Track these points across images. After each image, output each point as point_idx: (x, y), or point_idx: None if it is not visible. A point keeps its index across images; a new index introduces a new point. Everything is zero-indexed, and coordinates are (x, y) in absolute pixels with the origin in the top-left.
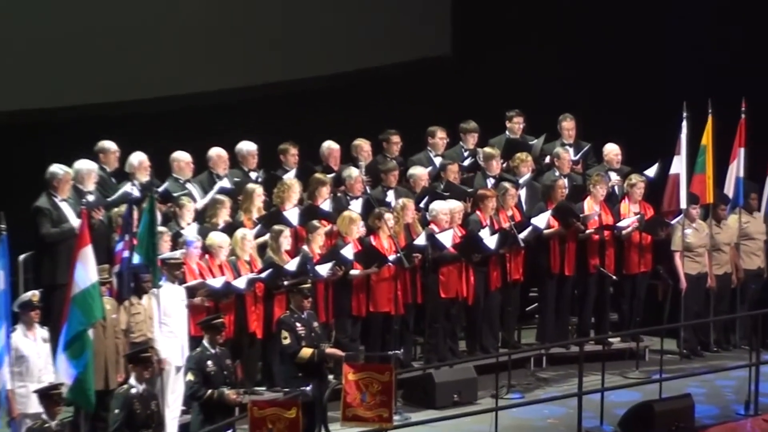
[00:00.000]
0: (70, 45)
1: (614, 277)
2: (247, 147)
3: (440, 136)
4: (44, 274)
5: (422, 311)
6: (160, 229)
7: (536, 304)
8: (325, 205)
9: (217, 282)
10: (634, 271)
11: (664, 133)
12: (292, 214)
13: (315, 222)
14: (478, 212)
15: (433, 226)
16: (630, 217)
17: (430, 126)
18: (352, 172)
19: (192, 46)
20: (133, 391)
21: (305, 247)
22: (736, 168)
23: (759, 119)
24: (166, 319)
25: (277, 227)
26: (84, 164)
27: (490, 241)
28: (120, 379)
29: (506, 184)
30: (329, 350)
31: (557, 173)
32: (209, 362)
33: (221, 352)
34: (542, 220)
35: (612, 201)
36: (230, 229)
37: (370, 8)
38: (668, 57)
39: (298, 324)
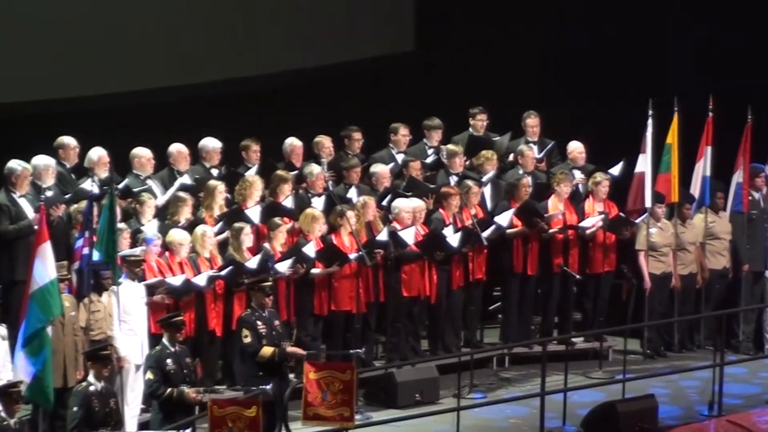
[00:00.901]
0: (27, 39)
1: (578, 277)
2: (211, 144)
3: (403, 133)
4: (2, 271)
5: (384, 310)
6: (120, 225)
7: (499, 304)
8: (287, 202)
9: (177, 280)
10: (598, 270)
11: (630, 131)
12: (253, 211)
13: (277, 219)
14: (441, 210)
15: (395, 224)
16: (594, 216)
17: (392, 123)
18: (314, 169)
19: (154, 41)
20: (92, 388)
21: (267, 245)
22: (703, 167)
23: (726, 117)
24: (126, 317)
25: (238, 224)
26: (41, 160)
27: (453, 239)
28: (79, 377)
29: (469, 182)
30: (290, 349)
31: (521, 171)
32: (169, 360)
33: (181, 351)
34: (505, 218)
35: (576, 199)
36: (191, 227)
37: (333, 4)
38: (634, 54)
39: (259, 322)
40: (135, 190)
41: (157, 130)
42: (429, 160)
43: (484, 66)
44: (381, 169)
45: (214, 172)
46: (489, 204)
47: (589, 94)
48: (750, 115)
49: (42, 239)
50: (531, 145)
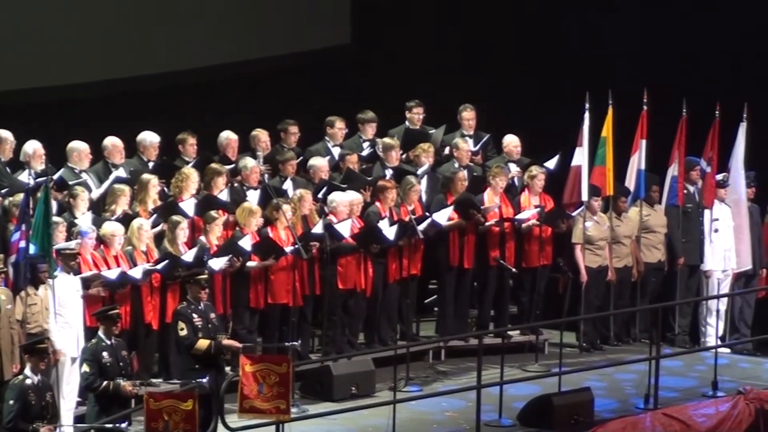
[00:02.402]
0: None
1: (514, 270)
2: (149, 137)
3: (339, 126)
4: None
5: (320, 303)
6: (56, 219)
7: (435, 297)
8: (222, 195)
9: (112, 273)
10: (534, 263)
11: (565, 124)
12: (188, 204)
13: (213, 213)
14: (377, 203)
15: (331, 217)
16: (530, 209)
17: (328, 116)
18: (248, 162)
19: (90, 33)
20: (28, 381)
21: (203, 238)
22: (638, 160)
23: (661, 110)
24: (62, 310)
25: (174, 218)
26: None
27: (389, 232)
28: (15, 370)
29: (411, 179)
30: (226, 341)
31: (456, 165)
32: (105, 353)
33: (117, 344)
34: (443, 216)
35: (512, 193)
36: (126, 220)
37: None
38: (571, 46)
39: (194, 315)
40: (70, 183)
41: (92, 123)
42: (365, 153)
43: (420, 59)
44: (319, 162)
45: (152, 165)
46: (424, 197)
47: (524, 87)
48: (685, 109)
49: None
50: (467, 138)
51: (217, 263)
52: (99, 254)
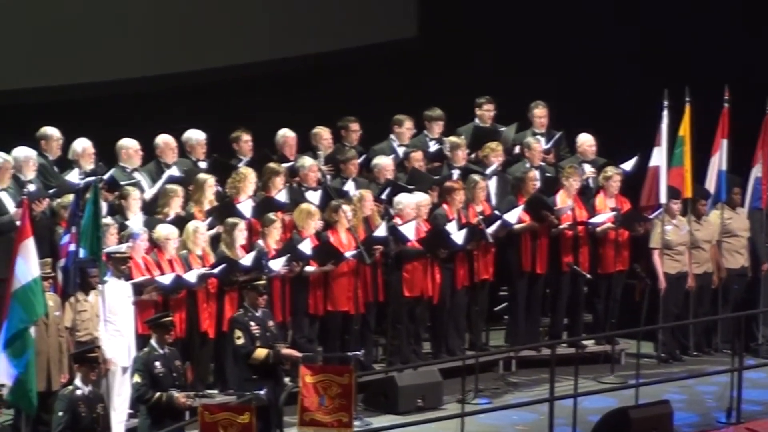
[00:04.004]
0: (9, 26)
1: (588, 276)
2: (195, 136)
3: (407, 126)
4: None
5: (384, 310)
6: (106, 221)
7: (506, 304)
8: (280, 196)
9: (166, 278)
10: (609, 269)
11: (643, 122)
12: (245, 206)
13: (271, 215)
14: (444, 205)
15: (396, 220)
16: (605, 212)
17: (393, 113)
18: (306, 161)
19: (140, 28)
20: (79, 392)
21: (260, 242)
22: (719, 160)
23: (743, 108)
24: (112, 317)
25: (231, 220)
26: (21, 152)
27: (458, 236)
28: (63, 380)
29: (476, 177)
30: (285, 351)
31: (528, 164)
32: (157, 363)
33: (170, 353)
34: (513, 215)
35: (586, 195)
36: (180, 222)
37: None
38: (647, 40)
39: (252, 323)
40: (122, 183)
41: (144, 120)
42: (431, 150)
43: (490, 53)
44: (383, 161)
45: (202, 165)
46: (494, 199)
47: (599, 83)
48: None
49: (24, 235)
50: (538, 137)
51: (277, 264)
52: (152, 258)
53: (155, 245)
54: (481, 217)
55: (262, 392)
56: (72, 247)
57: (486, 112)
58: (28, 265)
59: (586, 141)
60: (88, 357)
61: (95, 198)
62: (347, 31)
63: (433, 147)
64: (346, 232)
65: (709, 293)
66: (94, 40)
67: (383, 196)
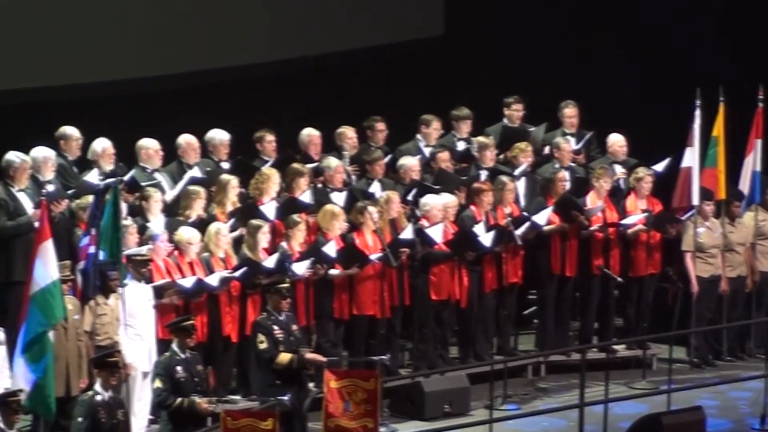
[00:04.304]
0: (28, 22)
1: (619, 279)
2: (219, 136)
3: (435, 127)
4: (0, 271)
5: (410, 314)
6: (126, 222)
7: (535, 308)
8: (305, 197)
9: (187, 281)
10: (641, 272)
11: (675, 122)
12: (269, 207)
13: (295, 217)
14: (472, 207)
15: (423, 222)
16: (637, 214)
17: (420, 113)
18: (331, 162)
19: (161, 24)
20: (99, 398)
21: (284, 244)
22: (753, 161)
23: None
24: (132, 321)
25: (254, 222)
26: (40, 152)
27: (486, 238)
28: (83, 385)
29: (504, 179)
30: (309, 355)
31: (557, 165)
32: (179, 368)
33: (192, 357)
34: (543, 217)
35: (617, 196)
36: (201, 224)
37: None
38: (679, 38)
39: (275, 327)
40: (142, 183)
41: (165, 119)
42: (459, 150)
43: (519, 52)
44: (409, 162)
45: (225, 166)
46: (522, 200)
47: (630, 82)
48: None
49: (43, 237)
50: (568, 137)
51: (300, 267)
52: (172, 261)
53: (176, 247)
54: (509, 218)
55: (285, 398)
56: (91, 249)
57: (515, 111)
58: (47, 267)
59: (617, 141)
60: (108, 362)
61: (115, 199)
62: (373, 29)
63: (460, 147)
64: (371, 234)
65: (743, 297)
66: (115, 37)
67: (409, 198)
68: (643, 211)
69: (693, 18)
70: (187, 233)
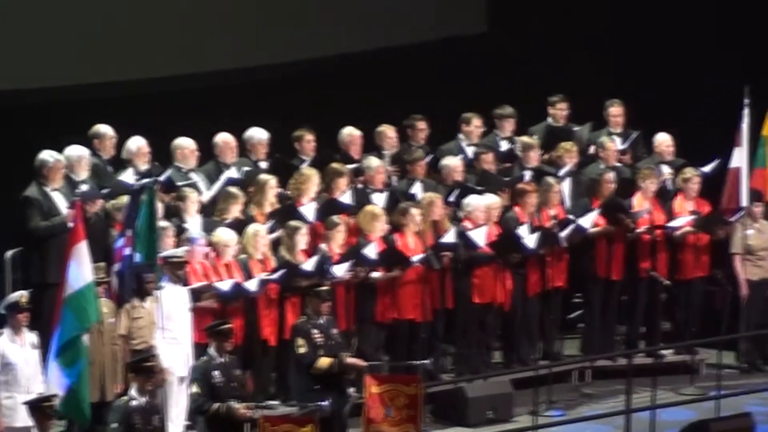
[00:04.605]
0: (61, 18)
1: (667, 282)
2: (258, 135)
3: (476, 124)
4: (33, 273)
5: (453, 318)
6: (164, 224)
7: (580, 312)
8: (345, 198)
9: (225, 285)
10: (689, 275)
11: (723, 121)
12: (308, 208)
13: (335, 218)
14: (516, 208)
15: (466, 223)
16: (684, 215)
17: (462, 112)
18: (372, 162)
19: (198, 20)
20: (134, 403)
21: (323, 246)
22: None
23: None
24: (169, 324)
25: (293, 223)
26: (74, 150)
27: (530, 240)
28: (118, 390)
29: (550, 180)
30: (350, 360)
31: (603, 165)
32: (216, 372)
33: (229, 362)
34: (588, 220)
35: (664, 197)
36: (239, 225)
37: None
38: (727, 35)
39: (315, 330)
40: (178, 184)
41: (202, 118)
42: (502, 150)
43: (565, 49)
44: (452, 162)
45: (262, 165)
46: (567, 201)
47: (677, 80)
48: None
49: (77, 238)
50: (614, 137)
51: (340, 269)
52: (209, 263)
53: (213, 249)
54: (554, 221)
55: (325, 403)
56: (127, 250)
57: (559, 110)
58: (81, 269)
59: (664, 141)
60: (143, 366)
61: (151, 200)
62: (413, 25)
63: (504, 147)
64: (413, 236)
65: None
66: (151, 34)
67: (451, 199)
68: (691, 212)
69: (741, 15)
70: (224, 234)
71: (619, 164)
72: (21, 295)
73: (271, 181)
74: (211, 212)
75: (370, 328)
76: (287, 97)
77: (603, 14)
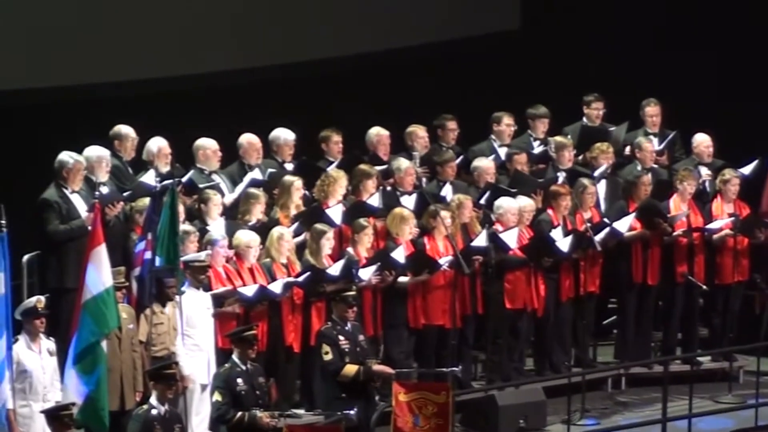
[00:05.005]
0: (80, 17)
1: (704, 287)
2: (284, 135)
3: (507, 123)
4: (51, 277)
5: (483, 324)
6: (187, 227)
7: (614, 318)
8: (372, 200)
9: (249, 290)
10: (727, 280)
11: (763, 122)
12: (335, 211)
13: (362, 221)
14: (549, 210)
15: (497, 226)
16: (723, 218)
17: (494, 111)
18: (402, 163)
19: (219, 17)
20: (154, 412)
21: (350, 249)
22: None
23: None
24: (190, 331)
25: (318, 227)
26: (94, 151)
27: (563, 243)
28: (138, 399)
29: (585, 181)
30: (377, 367)
31: (639, 167)
32: (239, 380)
33: (253, 369)
34: (624, 224)
35: (702, 199)
36: (263, 228)
37: None
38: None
39: (341, 337)
40: (200, 186)
41: (225, 118)
42: (535, 151)
43: (599, 47)
44: (484, 163)
45: (289, 167)
46: (603, 204)
47: (716, 79)
48: None
49: (96, 242)
50: (650, 137)
51: (367, 273)
52: (232, 267)
53: (235, 252)
54: (589, 224)
55: (352, 412)
56: (147, 254)
57: (594, 110)
58: (100, 273)
59: (702, 141)
60: (164, 374)
61: (172, 202)
62: (445, 23)
63: (537, 148)
64: (443, 239)
65: None
66: (171, 32)
67: (482, 201)
68: (730, 215)
69: None
70: (245, 236)
71: (655, 165)
72: (38, 300)
73: (297, 182)
74: (234, 215)
75: (398, 334)
76: (313, 97)
77: (639, 11)
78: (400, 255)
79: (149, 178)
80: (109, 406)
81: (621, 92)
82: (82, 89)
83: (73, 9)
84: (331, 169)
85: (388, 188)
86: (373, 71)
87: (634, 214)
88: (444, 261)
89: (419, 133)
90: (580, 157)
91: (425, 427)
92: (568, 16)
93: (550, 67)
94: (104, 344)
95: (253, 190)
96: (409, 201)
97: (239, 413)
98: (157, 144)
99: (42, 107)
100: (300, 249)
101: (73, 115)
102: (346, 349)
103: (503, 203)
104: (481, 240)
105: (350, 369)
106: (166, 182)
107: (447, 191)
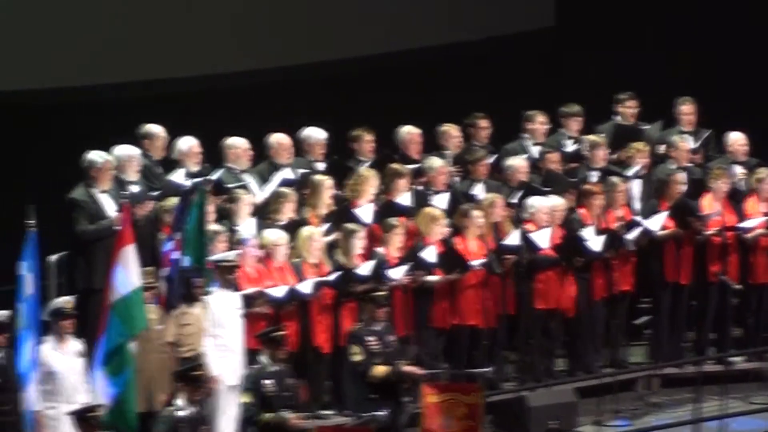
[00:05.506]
0: (109, 15)
1: (738, 287)
2: (315, 135)
3: (540, 121)
4: (79, 278)
5: (515, 324)
6: (216, 227)
7: (647, 317)
8: (403, 199)
9: (279, 291)
10: (761, 279)
11: None
12: (365, 210)
13: (392, 220)
14: (581, 210)
15: (529, 226)
16: (757, 217)
17: (527, 110)
18: (434, 162)
19: (253, 15)
20: (181, 413)
21: (380, 249)
22: None
23: None
24: (219, 331)
25: (349, 226)
26: (123, 150)
27: (595, 242)
28: (165, 400)
29: (615, 180)
30: (407, 368)
31: (673, 166)
32: (268, 381)
33: (282, 370)
34: (657, 222)
35: (736, 198)
36: (293, 227)
37: None
38: None
39: (371, 337)
40: (229, 185)
41: (255, 116)
42: (568, 150)
43: (634, 45)
44: (516, 162)
45: (318, 167)
46: (638, 203)
47: (752, 76)
48: None
49: (125, 242)
50: (685, 135)
51: (398, 273)
52: (261, 266)
53: (265, 252)
54: (621, 223)
55: (382, 413)
56: (176, 254)
57: (628, 109)
58: (129, 274)
59: (737, 140)
60: (192, 375)
61: (201, 202)
62: (478, 21)
63: (570, 146)
64: (475, 239)
65: None
66: (202, 30)
67: (514, 200)
68: (765, 214)
69: None
70: (273, 235)
71: (690, 164)
72: (66, 301)
73: (327, 182)
74: (264, 215)
75: (429, 334)
76: (343, 96)
77: (674, 9)
78: (430, 254)
79: (179, 177)
80: (137, 407)
81: (655, 90)
82: (109, 89)
83: (96, 9)
84: (363, 169)
85: (420, 188)
86: (404, 70)
87: (666, 213)
88: (476, 262)
89: (452, 132)
90: (614, 156)
91: (455, 428)
92: (602, 14)
93: (584, 64)
94: (132, 345)
95: (282, 189)
96: (441, 200)
97: (268, 414)
98: (188, 143)
99: (69, 106)
100: (330, 249)
101: (102, 115)
102: (376, 350)
103: (534, 202)
104: (512, 239)
105: (380, 370)
106: (195, 181)
107: (479, 190)
